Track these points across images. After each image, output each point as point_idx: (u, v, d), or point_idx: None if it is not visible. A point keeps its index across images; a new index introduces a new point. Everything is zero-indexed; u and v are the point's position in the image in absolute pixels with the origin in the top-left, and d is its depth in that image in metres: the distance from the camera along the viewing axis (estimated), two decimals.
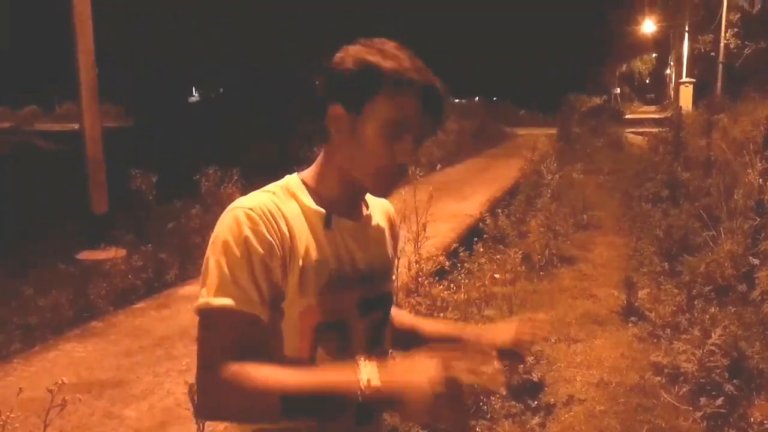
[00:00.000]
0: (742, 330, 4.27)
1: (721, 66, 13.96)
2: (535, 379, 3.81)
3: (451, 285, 4.11)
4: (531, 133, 18.73)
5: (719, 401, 3.27)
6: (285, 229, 1.04)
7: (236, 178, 6.58)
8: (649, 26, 32.59)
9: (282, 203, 1.07)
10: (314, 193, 1.12)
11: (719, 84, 13.88)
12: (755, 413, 3.36)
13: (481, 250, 5.48)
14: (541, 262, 6.12)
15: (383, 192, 1.15)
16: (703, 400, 3.35)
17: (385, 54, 1.07)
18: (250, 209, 1.02)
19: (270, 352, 1.04)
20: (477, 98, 39.29)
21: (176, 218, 6.41)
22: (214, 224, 1.08)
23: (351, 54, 1.08)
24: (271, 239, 1.02)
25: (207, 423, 2.40)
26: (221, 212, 1.08)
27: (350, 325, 1.11)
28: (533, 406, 3.60)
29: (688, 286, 4.99)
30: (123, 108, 31.46)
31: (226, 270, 0.99)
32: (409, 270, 3.77)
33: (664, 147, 10.47)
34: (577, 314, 5.06)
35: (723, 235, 5.97)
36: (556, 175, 8.14)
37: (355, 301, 1.12)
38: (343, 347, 1.09)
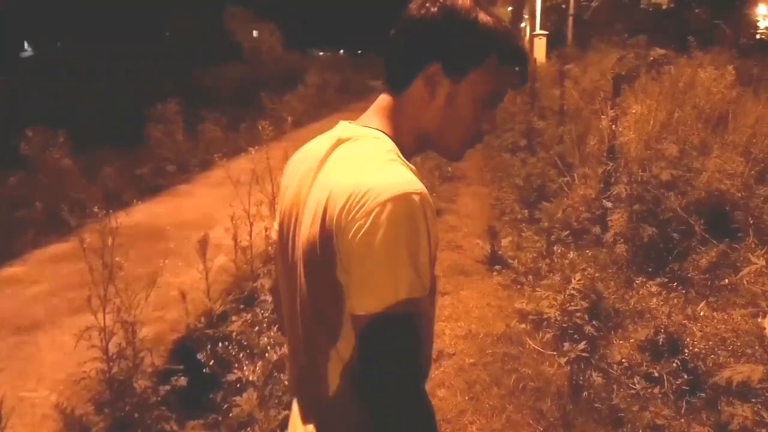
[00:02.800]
0: (598, 272, 4.41)
1: (571, 18, 14.59)
2: None
3: None
4: None
5: (582, 345, 3.30)
6: None
7: (62, 140, 5.75)
8: None
9: (413, 171, 0.97)
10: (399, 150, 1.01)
11: (569, 36, 14.52)
12: (614, 353, 3.44)
13: None
14: None
15: (460, 157, 1.10)
16: (566, 345, 3.38)
17: (494, 16, 1.03)
18: (420, 193, 0.90)
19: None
20: (341, 51, 38.68)
21: None
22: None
23: (459, 11, 1.00)
24: (435, 220, 0.93)
25: None
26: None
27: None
28: None
29: (547, 232, 5.09)
30: None
31: (414, 263, 0.87)
32: (267, 237, 3.44)
33: (521, 98, 10.77)
34: (444, 266, 5.01)
35: (577, 181, 6.19)
36: None
37: None
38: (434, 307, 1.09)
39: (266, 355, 2.66)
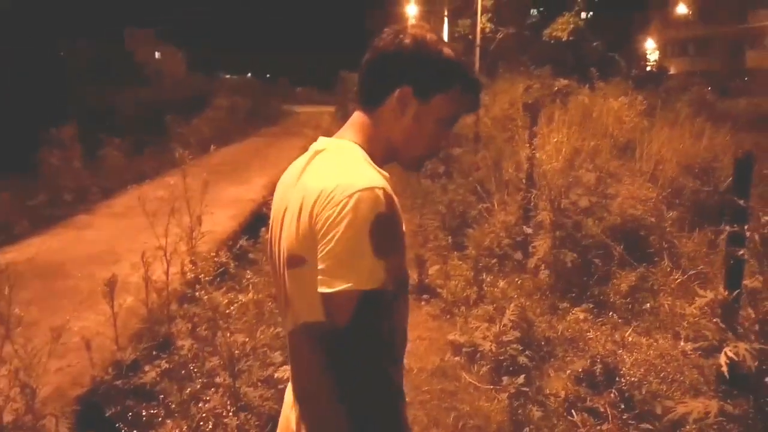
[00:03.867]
0: (526, 299, 4.38)
1: (478, 49, 15.05)
2: None
3: (237, 286, 3.54)
4: (309, 110, 18.52)
5: (521, 379, 3.21)
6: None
7: None
8: (411, 10, 34.41)
9: (383, 175, 1.10)
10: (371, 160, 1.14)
11: (477, 65, 14.97)
12: (552, 385, 3.37)
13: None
14: None
15: (419, 168, 1.26)
16: (505, 379, 3.28)
17: (456, 51, 1.19)
18: (384, 188, 1.02)
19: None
20: (249, 74, 38.00)
21: None
22: None
23: (428, 44, 1.16)
24: (401, 215, 1.06)
25: None
26: None
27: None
28: None
29: (475, 260, 5.04)
30: None
31: (375, 248, 0.98)
32: (183, 275, 3.13)
33: None
34: None
35: (496, 207, 6.23)
36: None
37: None
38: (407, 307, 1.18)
39: (190, 411, 2.36)
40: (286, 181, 1.19)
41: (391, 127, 1.17)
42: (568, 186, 5.36)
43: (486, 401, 3.36)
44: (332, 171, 1.06)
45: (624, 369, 3.34)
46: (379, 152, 1.17)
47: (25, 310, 3.81)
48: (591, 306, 4.45)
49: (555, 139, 5.16)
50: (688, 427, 2.73)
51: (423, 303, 4.79)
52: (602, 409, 2.99)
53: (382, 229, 0.99)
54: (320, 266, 0.99)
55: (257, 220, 5.93)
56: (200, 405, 2.31)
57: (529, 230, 5.39)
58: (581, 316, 4.30)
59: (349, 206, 0.98)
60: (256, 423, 2.43)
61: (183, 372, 2.66)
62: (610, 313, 4.40)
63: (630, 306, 4.55)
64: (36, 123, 7.39)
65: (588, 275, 4.85)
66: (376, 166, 1.11)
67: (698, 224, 5.72)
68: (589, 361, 3.29)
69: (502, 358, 3.50)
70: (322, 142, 1.18)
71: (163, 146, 9.95)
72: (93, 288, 3.55)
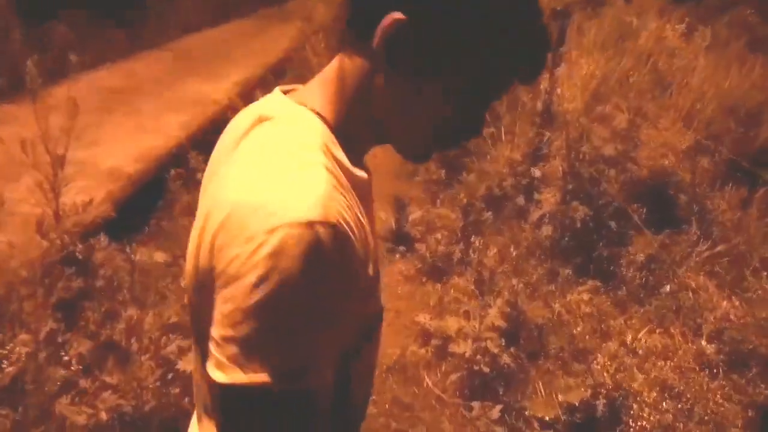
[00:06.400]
0: (518, 268, 3.59)
1: None
2: None
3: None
4: None
5: (495, 412, 2.42)
6: (363, 231, 0.68)
7: None
8: None
9: (341, 182, 0.66)
10: (343, 144, 0.71)
11: None
12: (536, 408, 2.61)
13: None
14: None
15: (424, 159, 0.84)
16: (476, 405, 2.50)
17: None
18: (331, 224, 0.59)
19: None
20: None
21: None
22: None
23: None
24: (359, 261, 0.65)
25: None
26: None
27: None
28: None
29: (465, 210, 4.16)
30: None
31: (306, 330, 0.59)
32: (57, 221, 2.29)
33: None
34: None
35: (503, 138, 5.27)
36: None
37: None
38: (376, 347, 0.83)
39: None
40: (218, 151, 0.78)
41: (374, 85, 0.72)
42: (591, 129, 4.39)
43: (448, 422, 2.61)
44: (260, 171, 0.63)
45: (633, 400, 2.56)
46: (363, 134, 0.75)
47: None
48: (598, 285, 3.67)
49: (584, 71, 4.09)
50: None
51: (398, 257, 3.98)
52: None
53: (318, 289, 0.58)
54: (217, 335, 0.60)
55: (217, 127, 4.99)
56: None
57: (537, 173, 4.49)
58: (584, 297, 3.53)
59: (263, 252, 0.57)
60: None
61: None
62: (617, 289, 3.67)
63: (644, 281, 3.79)
64: None
65: (599, 237, 4.03)
66: (342, 161, 0.68)
67: (732, 178, 4.79)
68: (589, 392, 2.50)
69: (476, 368, 2.70)
70: (275, 101, 0.74)
71: (137, 23, 8.72)
72: None
